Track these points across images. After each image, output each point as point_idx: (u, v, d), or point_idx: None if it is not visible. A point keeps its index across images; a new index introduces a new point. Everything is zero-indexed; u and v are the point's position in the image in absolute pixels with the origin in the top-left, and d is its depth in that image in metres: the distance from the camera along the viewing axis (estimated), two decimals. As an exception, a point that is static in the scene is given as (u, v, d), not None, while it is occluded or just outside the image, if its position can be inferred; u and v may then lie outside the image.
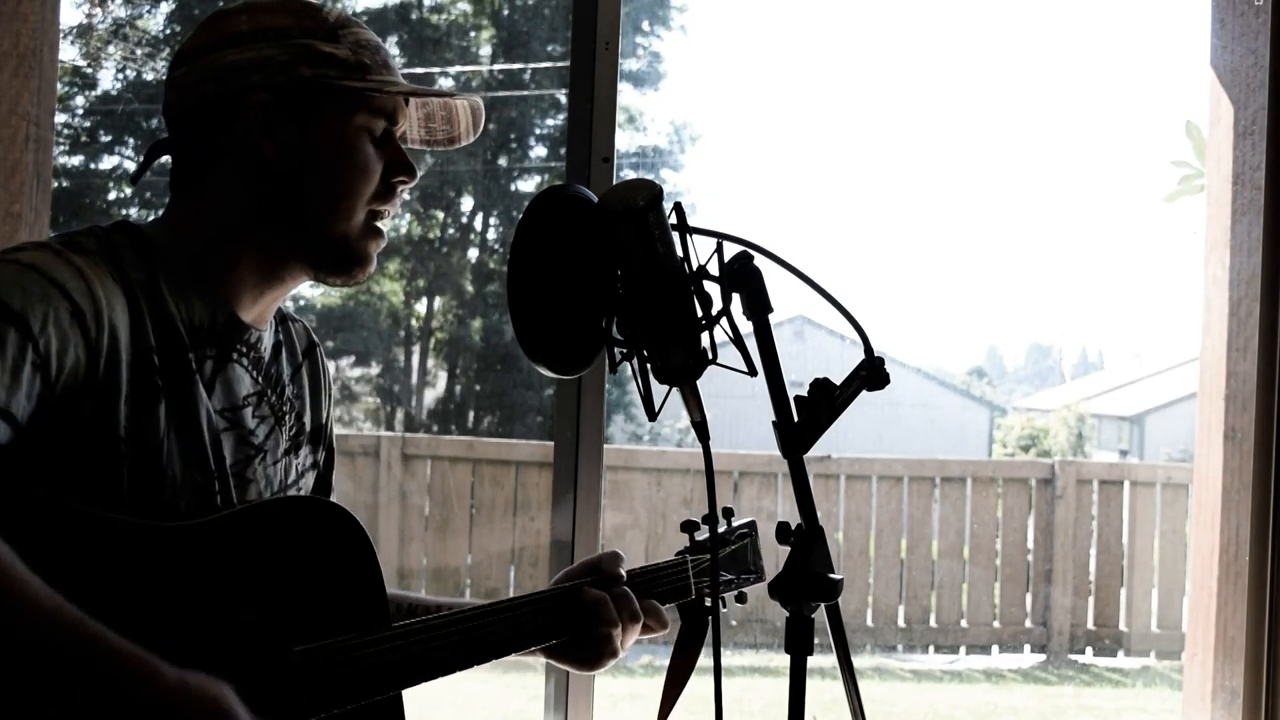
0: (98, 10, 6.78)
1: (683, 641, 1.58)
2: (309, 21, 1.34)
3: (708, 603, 1.60)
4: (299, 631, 1.25)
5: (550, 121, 8.05)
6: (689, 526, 1.63)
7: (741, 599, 1.67)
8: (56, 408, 1.15)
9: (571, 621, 1.48)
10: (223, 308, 1.33)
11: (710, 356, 1.24)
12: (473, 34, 8.28)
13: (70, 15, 6.73)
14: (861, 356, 1.26)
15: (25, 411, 1.12)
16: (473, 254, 8.54)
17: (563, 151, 2.41)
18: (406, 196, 1.42)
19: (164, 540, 1.18)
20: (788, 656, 1.18)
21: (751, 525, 1.72)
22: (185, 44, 1.36)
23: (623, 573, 1.53)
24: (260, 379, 1.39)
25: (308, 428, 1.49)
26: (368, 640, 1.29)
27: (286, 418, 1.43)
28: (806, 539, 1.20)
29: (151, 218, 1.38)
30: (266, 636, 1.23)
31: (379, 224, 1.39)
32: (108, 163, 7.52)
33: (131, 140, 7.48)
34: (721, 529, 1.68)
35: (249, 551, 1.23)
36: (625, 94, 8.52)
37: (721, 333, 1.23)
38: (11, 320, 1.12)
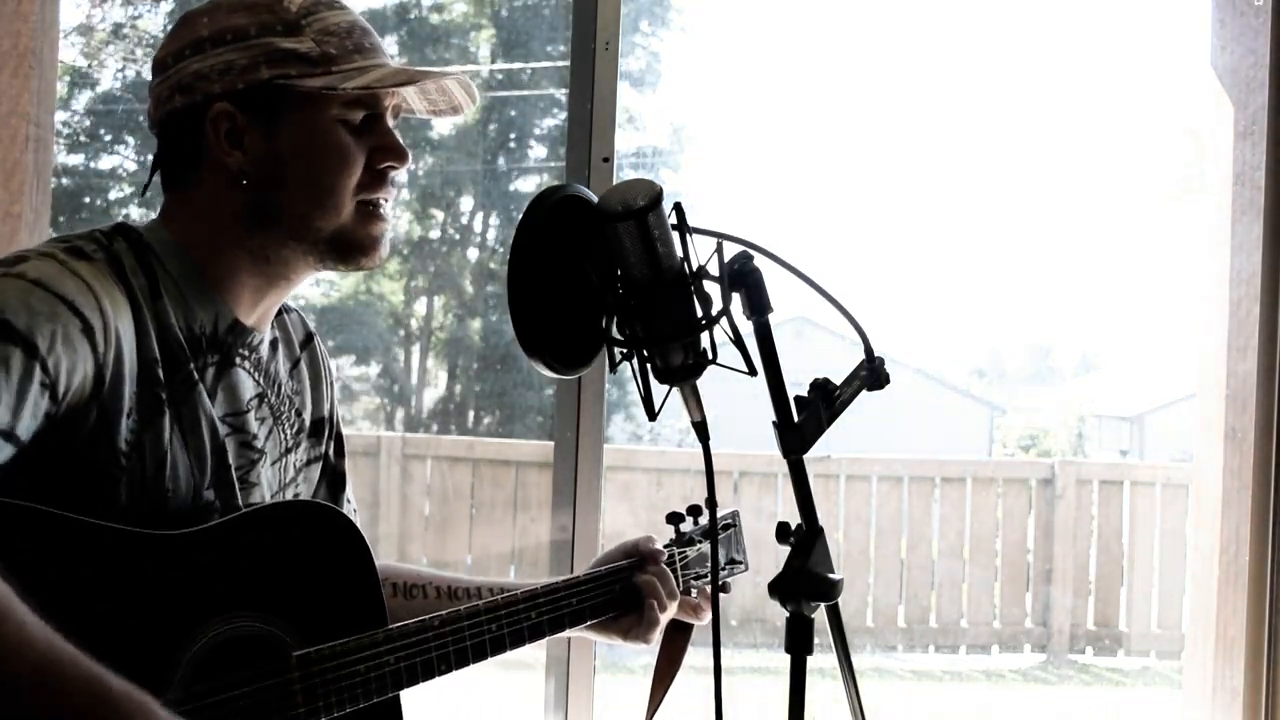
0: (98, 10, 6.78)
1: (669, 637, 1.60)
2: (268, 16, 1.29)
3: (693, 594, 1.63)
4: (297, 635, 1.25)
5: (550, 121, 8.04)
6: (674, 518, 1.65)
7: (724, 588, 1.68)
8: (60, 424, 1.15)
9: (621, 601, 1.54)
10: (225, 313, 1.32)
11: (710, 356, 1.24)
12: (472, 34, 8.28)
13: (70, 15, 6.73)
14: (861, 356, 1.26)
15: (30, 430, 1.11)
16: (473, 254, 8.53)
17: (563, 151, 2.41)
18: (405, 194, 1.36)
19: (161, 548, 1.18)
20: (788, 656, 1.18)
21: (734, 515, 1.73)
22: (158, 52, 1.33)
23: (662, 550, 1.59)
24: (261, 380, 1.38)
25: (308, 421, 1.48)
26: (364, 642, 1.29)
27: (285, 415, 1.42)
28: (806, 539, 1.20)
29: (149, 218, 1.37)
30: (264, 641, 1.23)
31: (379, 210, 1.34)
32: (108, 163, 7.52)
33: (131, 140, 7.47)
34: (704, 520, 1.69)
35: (245, 557, 1.23)
36: (625, 94, 8.52)
37: (721, 333, 1.23)
38: (17, 341, 1.10)
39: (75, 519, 1.12)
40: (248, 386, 1.35)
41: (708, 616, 1.61)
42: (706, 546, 1.67)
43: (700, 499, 1.44)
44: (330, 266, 1.34)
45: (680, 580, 1.62)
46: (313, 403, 1.49)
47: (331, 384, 1.54)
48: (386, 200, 1.35)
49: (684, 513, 1.65)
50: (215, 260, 1.31)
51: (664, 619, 1.56)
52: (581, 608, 1.51)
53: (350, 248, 1.33)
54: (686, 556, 1.64)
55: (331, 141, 1.30)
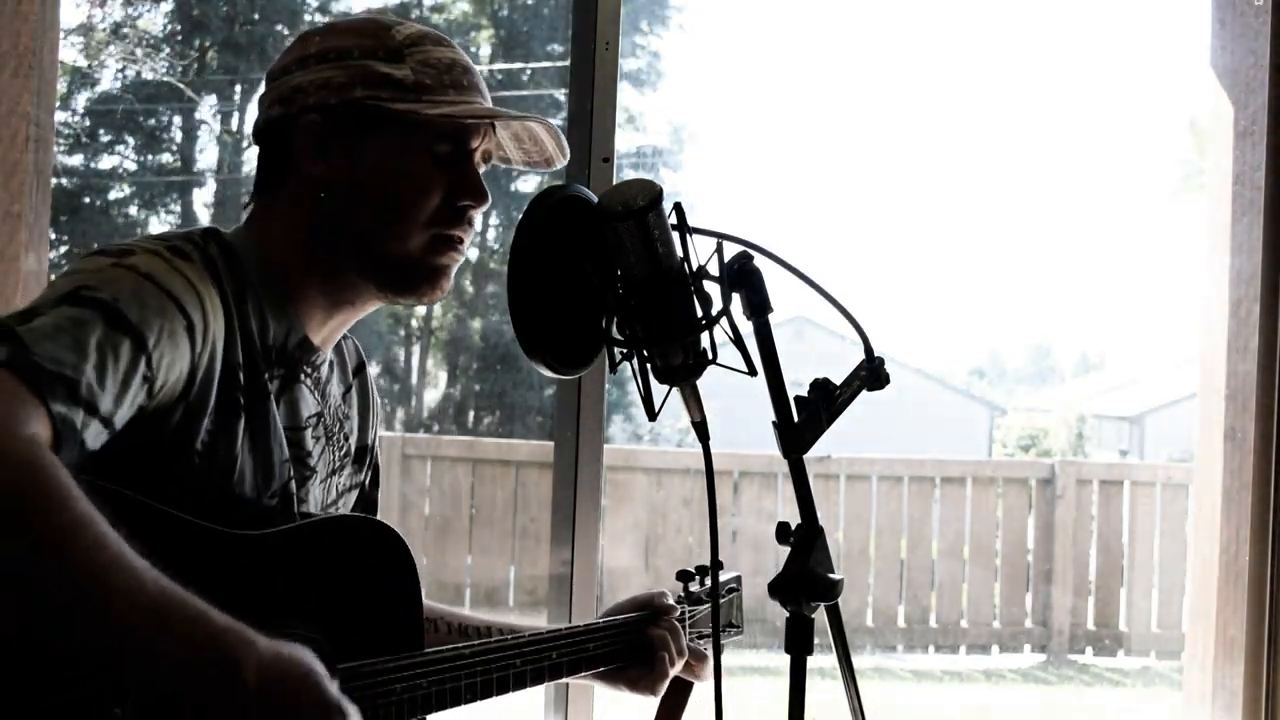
0: (98, 10, 6.78)
1: (670, 692, 1.61)
2: (372, 41, 1.32)
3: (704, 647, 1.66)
4: (341, 649, 1.26)
5: (550, 121, 8.05)
6: (684, 576, 1.66)
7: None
8: (146, 419, 1.16)
9: (632, 652, 1.56)
10: (296, 329, 1.34)
11: (710, 356, 1.24)
12: (472, 33, 8.29)
13: (70, 15, 6.73)
14: (861, 356, 1.26)
15: (124, 420, 1.12)
16: (473, 254, 8.54)
17: (563, 151, 2.41)
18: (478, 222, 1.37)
19: (236, 547, 1.19)
20: (788, 656, 1.18)
21: (738, 580, 1.74)
22: (272, 65, 1.37)
23: (675, 605, 1.61)
24: (320, 399, 1.40)
25: (353, 448, 1.49)
26: (403, 664, 1.30)
27: (335, 437, 1.44)
28: (806, 539, 1.20)
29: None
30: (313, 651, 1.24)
31: (452, 244, 1.35)
32: (108, 163, 7.52)
33: (131, 140, 7.47)
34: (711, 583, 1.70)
35: (305, 566, 1.25)
36: (625, 94, 8.53)
37: (721, 333, 1.23)
38: (128, 331, 1.11)
39: (166, 510, 1.14)
40: (309, 404, 1.37)
41: (707, 676, 1.62)
42: (710, 608, 1.68)
43: (701, 499, 1.45)
44: (392, 296, 1.36)
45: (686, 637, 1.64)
46: (359, 430, 1.51)
47: (377, 414, 1.55)
48: (462, 238, 1.36)
49: (693, 571, 1.67)
50: (289, 273, 1.33)
51: (672, 673, 1.57)
52: (598, 654, 1.53)
53: (415, 276, 1.34)
54: (695, 615, 1.66)
55: (412, 168, 1.32)
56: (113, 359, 1.10)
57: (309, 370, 1.37)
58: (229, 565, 1.16)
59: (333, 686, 1.11)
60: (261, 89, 1.37)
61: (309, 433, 1.37)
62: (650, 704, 1.61)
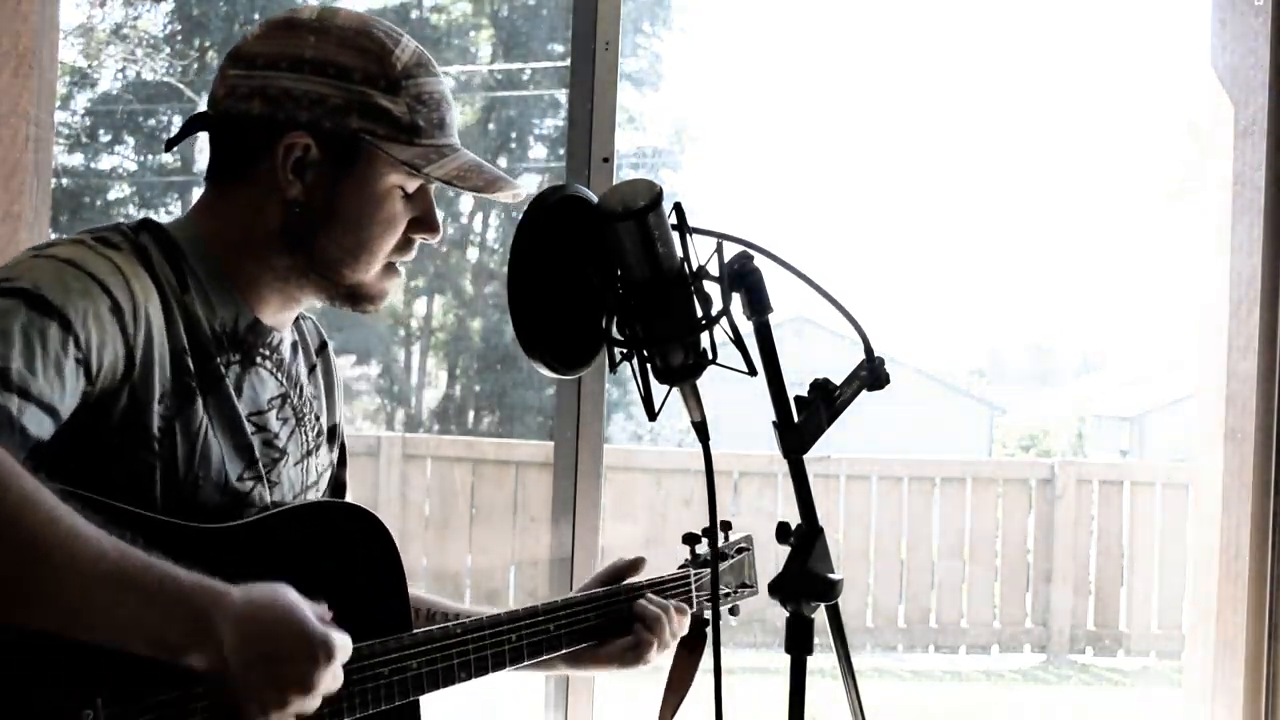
0: (98, 10, 6.78)
1: (682, 654, 1.60)
2: (374, 67, 1.29)
3: (707, 614, 1.64)
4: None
5: (550, 121, 8.05)
6: (690, 539, 1.65)
7: (734, 612, 1.71)
8: (94, 407, 1.16)
9: (615, 626, 1.55)
10: (245, 312, 1.33)
11: (710, 356, 1.24)
12: (472, 34, 8.28)
13: (70, 15, 6.73)
14: (861, 356, 1.26)
15: (69, 409, 1.12)
16: (473, 254, 8.53)
17: (563, 151, 2.42)
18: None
19: (208, 541, 1.19)
20: (788, 656, 1.18)
21: (748, 540, 1.74)
22: (250, 43, 1.31)
23: (639, 561, 1.61)
24: (283, 380, 1.40)
25: (324, 427, 1.49)
26: (390, 645, 1.30)
27: (307, 418, 1.43)
28: (806, 539, 1.20)
29: (149, 215, 1.36)
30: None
31: (396, 268, 1.38)
32: (108, 163, 7.52)
33: (131, 140, 7.47)
34: (721, 543, 1.70)
35: (285, 554, 1.25)
36: (625, 94, 8.52)
37: (721, 333, 1.23)
38: (53, 315, 1.11)
39: (127, 509, 1.13)
40: (270, 386, 1.37)
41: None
42: (721, 568, 1.68)
43: (701, 499, 1.45)
44: (335, 306, 1.38)
45: (694, 601, 1.63)
46: (327, 409, 1.51)
47: (341, 392, 1.56)
48: (405, 262, 1.39)
49: (700, 534, 1.66)
50: (240, 264, 1.33)
51: (657, 646, 1.56)
52: (598, 623, 1.52)
53: (362, 299, 1.37)
54: (700, 578, 1.65)
55: (386, 208, 1.32)
56: (40, 342, 1.10)
57: (266, 352, 1.36)
58: (206, 560, 1.16)
59: (314, 620, 1.12)
60: (226, 61, 1.32)
61: (273, 415, 1.36)
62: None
